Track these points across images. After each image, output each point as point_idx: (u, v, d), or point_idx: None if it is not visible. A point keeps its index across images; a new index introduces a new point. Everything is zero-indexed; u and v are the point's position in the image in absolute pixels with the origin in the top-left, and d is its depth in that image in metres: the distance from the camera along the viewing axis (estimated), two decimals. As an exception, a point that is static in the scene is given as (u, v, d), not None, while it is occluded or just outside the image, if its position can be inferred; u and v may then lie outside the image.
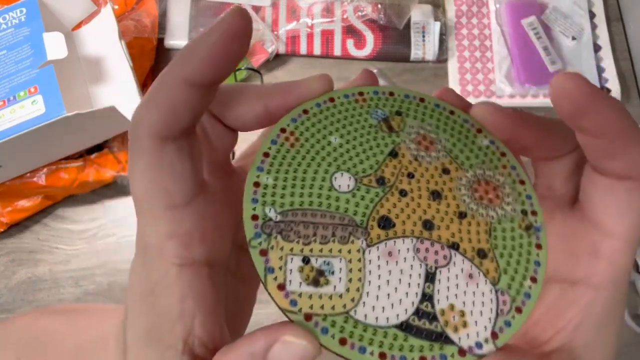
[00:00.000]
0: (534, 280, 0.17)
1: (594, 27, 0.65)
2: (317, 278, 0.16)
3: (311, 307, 0.15)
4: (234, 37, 0.15)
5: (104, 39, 0.54)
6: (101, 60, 0.55)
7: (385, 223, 0.17)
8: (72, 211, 0.57)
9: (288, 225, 0.16)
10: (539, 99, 0.62)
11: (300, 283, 0.15)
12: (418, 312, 0.16)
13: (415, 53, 0.63)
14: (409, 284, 0.16)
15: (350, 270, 0.16)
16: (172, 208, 0.15)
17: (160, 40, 0.62)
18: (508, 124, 0.18)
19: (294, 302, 0.15)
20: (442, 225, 0.17)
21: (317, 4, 0.63)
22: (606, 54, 0.64)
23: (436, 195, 0.18)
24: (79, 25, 0.56)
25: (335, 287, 0.16)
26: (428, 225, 0.17)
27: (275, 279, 0.15)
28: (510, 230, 0.18)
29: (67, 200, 0.57)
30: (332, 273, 0.16)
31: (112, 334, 0.19)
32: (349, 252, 0.16)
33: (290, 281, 0.15)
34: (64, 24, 0.55)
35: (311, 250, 0.16)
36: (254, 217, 0.16)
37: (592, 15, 0.66)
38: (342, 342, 0.15)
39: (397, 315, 0.16)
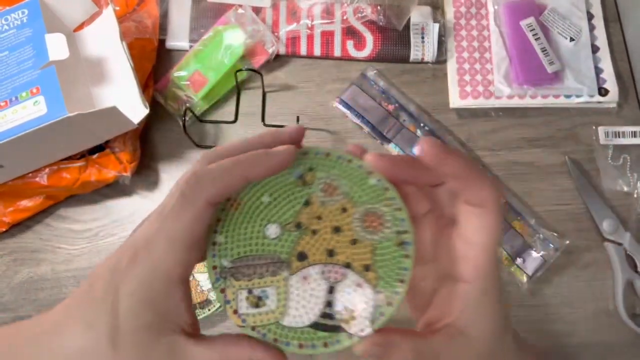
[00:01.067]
0: (401, 281, 0.25)
1: (592, 28, 0.66)
2: (258, 302, 0.25)
3: (255, 322, 0.25)
4: (286, 162, 0.25)
5: (105, 40, 0.54)
6: (102, 61, 0.55)
7: (301, 257, 0.25)
8: (74, 211, 0.58)
9: (237, 269, 0.25)
10: (537, 99, 0.62)
11: (247, 307, 0.25)
12: (323, 315, 0.25)
13: (415, 54, 0.63)
14: (317, 296, 0.25)
15: (279, 294, 0.25)
16: (189, 249, 0.24)
17: (162, 41, 0.62)
18: (387, 166, 0.25)
19: (244, 320, 0.25)
20: (340, 251, 0.25)
21: (317, 5, 0.64)
22: (604, 55, 0.65)
23: (337, 229, 0.25)
24: (80, 27, 0.57)
25: (269, 306, 0.25)
26: (331, 253, 0.25)
27: (231, 307, 0.25)
28: (388, 247, 0.25)
29: (68, 200, 0.58)
30: (267, 297, 0.25)
31: (75, 317, 0.25)
32: (278, 281, 0.25)
33: (240, 307, 0.25)
34: (65, 25, 0.56)
35: (253, 284, 0.25)
36: (214, 267, 0.25)
37: (590, 16, 0.66)
38: (275, 340, 0.25)
39: (310, 318, 0.25)
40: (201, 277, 0.54)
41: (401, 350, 0.23)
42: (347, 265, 0.25)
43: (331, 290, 0.25)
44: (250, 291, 0.25)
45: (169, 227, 0.23)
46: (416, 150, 0.24)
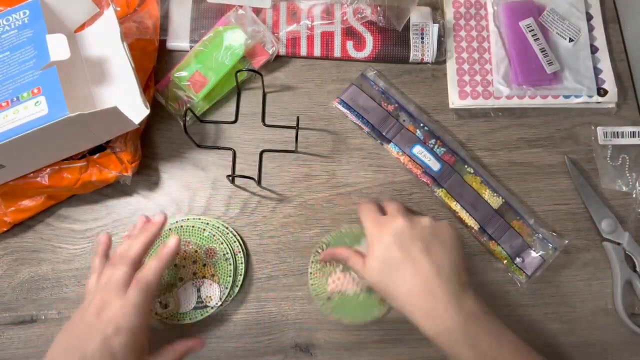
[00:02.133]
0: (231, 277, 0.55)
1: (591, 28, 0.66)
2: (166, 305, 0.55)
3: (165, 315, 0.55)
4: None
5: (106, 40, 0.55)
6: (103, 61, 0.55)
7: (180, 279, 0.55)
8: (75, 211, 0.58)
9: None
10: (536, 100, 0.63)
11: (159, 308, 0.55)
12: (197, 302, 0.54)
13: (414, 55, 0.64)
14: (192, 294, 0.55)
15: (174, 299, 0.56)
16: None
17: (162, 42, 0.63)
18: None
19: (159, 315, 0.55)
20: (198, 271, 0.55)
21: (317, 6, 0.64)
22: (603, 55, 0.65)
23: (194, 262, 0.56)
24: (81, 27, 0.57)
25: (171, 306, 0.56)
26: (195, 274, 0.55)
27: (153, 310, 0.55)
28: (220, 263, 0.56)
29: (69, 200, 0.58)
30: (169, 302, 0.55)
31: None
32: (173, 293, 0.56)
33: (156, 309, 0.55)
34: (66, 25, 0.56)
35: (161, 297, 0.55)
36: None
37: (589, 17, 0.66)
38: (177, 320, 0.55)
39: (191, 305, 0.54)
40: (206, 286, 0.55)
41: None
42: (204, 276, 0.55)
43: (199, 290, 0.55)
44: (160, 301, 0.54)
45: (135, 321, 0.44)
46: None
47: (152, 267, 0.45)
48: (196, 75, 0.60)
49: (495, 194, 0.59)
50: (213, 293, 0.55)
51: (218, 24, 0.62)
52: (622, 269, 0.58)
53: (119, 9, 0.58)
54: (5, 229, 0.56)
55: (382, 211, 0.52)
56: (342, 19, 0.64)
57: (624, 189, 0.61)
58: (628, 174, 0.62)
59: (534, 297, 0.58)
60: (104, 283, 0.45)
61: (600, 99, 0.63)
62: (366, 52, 0.64)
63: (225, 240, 0.56)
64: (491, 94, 0.63)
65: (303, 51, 0.64)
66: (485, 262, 0.59)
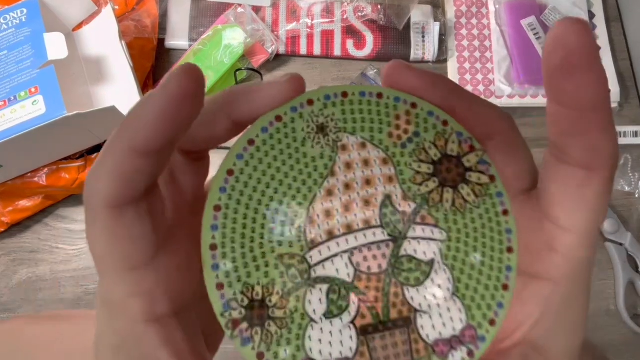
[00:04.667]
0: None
1: (593, 27, 0.65)
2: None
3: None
4: (181, 100, 0.13)
5: (104, 39, 0.54)
6: (102, 60, 0.55)
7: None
8: (73, 211, 0.58)
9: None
10: (538, 99, 0.62)
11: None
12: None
13: (415, 53, 0.63)
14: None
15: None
16: (132, 270, 0.15)
17: (161, 41, 0.62)
18: (420, 89, 0.16)
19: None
20: None
21: (317, 4, 0.64)
22: (605, 54, 0.64)
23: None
24: (79, 26, 0.56)
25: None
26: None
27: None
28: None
29: (67, 200, 0.58)
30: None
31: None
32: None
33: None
34: (64, 24, 0.55)
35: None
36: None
37: (591, 15, 0.66)
38: None
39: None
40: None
41: None
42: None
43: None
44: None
45: (90, 249, 0.15)
46: (550, 37, 0.13)
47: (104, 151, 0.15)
48: (195, 74, 0.60)
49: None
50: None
51: (217, 23, 0.62)
52: (625, 270, 0.57)
53: (117, 7, 0.58)
54: (2, 230, 0.56)
55: None
56: (343, 17, 0.63)
57: (627, 189, 0.61)
58: (630, 174, 0.61)
59: (535, 298, 0.57)
60: None
61: (602, 98, 0.62)
62: (367, 50, 0.63)
63: None
64: (493, 93, 0.62)
65: (303, 50, 0.63)
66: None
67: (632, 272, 0.57)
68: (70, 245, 0.57)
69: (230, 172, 0.16)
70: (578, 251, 0.16)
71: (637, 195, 0.61)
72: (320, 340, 0.15)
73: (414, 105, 0.16)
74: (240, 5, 0.62)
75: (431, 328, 0.15)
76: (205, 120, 0.16)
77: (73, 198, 0.58)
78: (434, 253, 0.16)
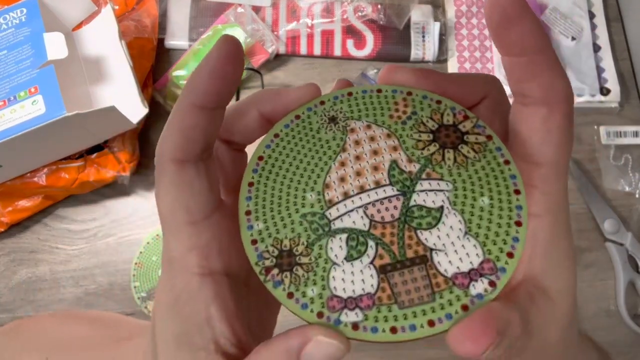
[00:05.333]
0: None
1: (593, 27, 0.65)
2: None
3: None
4: (227, 61, 0.17)
5: (104, 39, 0.54)
6: (101, 60, 0.55)
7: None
8: (73, 211, 0.57)
9: None
10: (538, 99, 0.62)
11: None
12: None
13: (415, 53, 0.63)
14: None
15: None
16: (192, 223, 0.17)
17: (161, 41, 0.62)
18: (427, 83, 0.19)
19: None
20: None
21: (317, 4, 0.64)
22: (606, 54, 0.64)
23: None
24: (79, 26, 0.56)
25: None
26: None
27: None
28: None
29: (67, 200, 0.57)
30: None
31: (141, 349, 0.21)
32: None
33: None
34: (64, 24, 0.55)
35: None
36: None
37: (591, 15, 0.66)
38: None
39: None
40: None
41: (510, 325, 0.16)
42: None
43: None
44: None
45: (157, 204, 0.18)
46: (486, 3, 0.16)
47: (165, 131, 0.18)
48: (195, 74, 0.60)
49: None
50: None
51: (217, 22, 0.62)
52: (625, 270, 0.57)
53: (117, 7, 0.58)
54: (2, 230, 0.55)
55: None
56: (343, 17, 0.63)
57: (627, 189, 0.61)
58: (631, 174, 0.61)
59: (536, 298, 0.57)
60: None
61: (602, 98, 0.62)
62: (367, 50, 0.63)
63: None
64: (493, 93, 0.62)
65: (303, 50, 0.63)
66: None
67: (632, 272, 0.57)
68: (69, 245, 0.56)
69: (260, 158, 0.19)
70: (553, 182, 0.17)
71: (637, 195, 0.61)
72: (343, 280, 0.17)
73: (409, 93, 0.19)
74: (240, 5, 0.62)
75: (448, 263, 0.16)
76: (240, 112, 0.19)
77: (73, 198, 0.57)
78: (442, 201, 0.17)
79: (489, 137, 0.18)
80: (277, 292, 0.17)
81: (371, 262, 0.17)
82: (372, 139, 0.19)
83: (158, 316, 0.18)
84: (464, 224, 0.17)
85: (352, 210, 0.18)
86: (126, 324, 0.28)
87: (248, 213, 0.18)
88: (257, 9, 0.63)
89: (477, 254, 0.16)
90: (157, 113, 0.60)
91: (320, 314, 0.16)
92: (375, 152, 0.18)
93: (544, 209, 0.17)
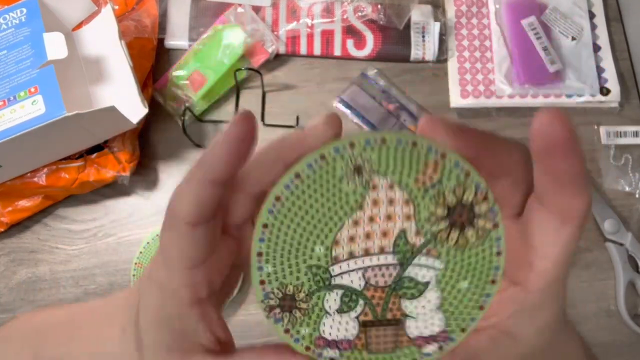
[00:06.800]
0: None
1: (593, 27, 0.65)
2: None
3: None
4: (244, 141, 0.19)
5: (104, 39, 0.54)
6: (101, 60, 0.55)
7: None
8: (73, 211, 0.57)
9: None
10: (538, 99, 0.62)
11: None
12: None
13: (415, 53, 0.63)
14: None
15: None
16: (191, 268, 0.20)
17: (161, 41, 0.62)
18: (466, 145, 0.19)
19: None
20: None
21: (317, 4, 0.64)
22: (606, 54, 0.64)
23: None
24: (79, 26, 0.56)
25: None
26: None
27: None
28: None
29: (67, 200, 0.57)
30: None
31: (116, 317, 0.24)
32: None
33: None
34: (64, 24, 0.55)
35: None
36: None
37: (591, 15, 0.66)
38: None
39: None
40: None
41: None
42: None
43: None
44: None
45: (163, 248, 0.21)
46: (533, 125, 0.17)
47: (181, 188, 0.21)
48: (195, 74, 0.60)
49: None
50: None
51: (217, 23, 0.62)
52: (625, 270, 0.57)
53: (117, 7, 0.58)
54: (2, 230, 0.55)
55: None
56: (343, 17, 0.63)
57: (627, 189, 0.61)
58: (631, 174, 0.61)
59: (536, 298, 0.57)
60: None
61: (603, 98, 0.62)
62: (367, 50, 0.63)
63: None
64: (493, 93, 0.62)
65: (303, 50, 0.63)
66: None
67: (632, 272, 0.57)
68: (69, 245, 0.56)
69: (277, 199, 0.19)
70: (550, 274, 0.20)
71: (637, 195, 0.61)
72: (331, 326, 0.20)
73: (443, 156, 0.19)
74: (240, 5, 0.62)
75: (415, 328, 0.21)
76: (266, 167, 0.20)
77: (72, 198, 0.57)
78: (430, 277, 0.20)
79: (495, 226, 0.19)
80: (276, 327, 0.20)
81: (357, 317, 0.20)
82: (390, 201, 0.19)
83: (147, 327, 0.22)
84: (440, 301, 0.20)
85: (352, 271, 0.20)
86: (93, 304, 0.30)
87: (260, 254, 0.20)
88: (257, 9, 0.63)
89: (439, 326, 0.20)
90: (157, 113, 0.60)
91: (307, 348, 0.20)
92: (389, 217, 0.19)
93: (536, 288, 0.20)
